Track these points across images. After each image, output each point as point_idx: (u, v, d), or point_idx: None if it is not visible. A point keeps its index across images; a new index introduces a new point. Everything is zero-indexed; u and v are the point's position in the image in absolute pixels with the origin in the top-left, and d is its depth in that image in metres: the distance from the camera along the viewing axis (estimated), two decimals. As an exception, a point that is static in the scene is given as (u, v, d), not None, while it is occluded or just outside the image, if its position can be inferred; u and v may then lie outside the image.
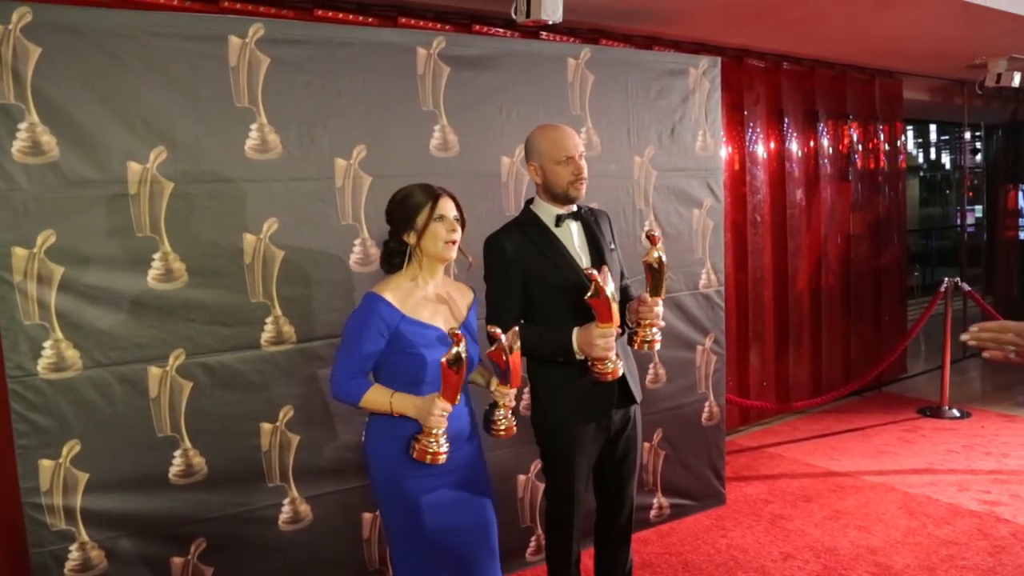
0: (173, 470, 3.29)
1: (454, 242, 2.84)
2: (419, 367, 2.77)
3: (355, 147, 3.64)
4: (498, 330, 2.75)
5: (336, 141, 3.59)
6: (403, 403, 2.75)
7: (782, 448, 6.15)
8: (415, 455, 2.74)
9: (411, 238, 2.83)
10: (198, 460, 3.33)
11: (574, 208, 3.22)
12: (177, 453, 3.30)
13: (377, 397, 2.76)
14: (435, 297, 2.89)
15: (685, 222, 4.81)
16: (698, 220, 4.86)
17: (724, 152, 5.96)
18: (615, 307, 2.95)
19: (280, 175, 3.46)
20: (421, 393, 2.77)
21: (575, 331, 3.06)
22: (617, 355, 3.08)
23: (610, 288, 2.93)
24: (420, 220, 2.81)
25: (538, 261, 3.16)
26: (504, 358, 2.77)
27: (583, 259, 3.20)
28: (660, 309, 3.13)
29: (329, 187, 3.59)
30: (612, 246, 3.30)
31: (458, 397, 2.73)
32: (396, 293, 2.78)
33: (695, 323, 4.89)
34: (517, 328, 2.81)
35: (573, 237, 3.21)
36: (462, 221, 2.88)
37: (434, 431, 2.73)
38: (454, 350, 2.65)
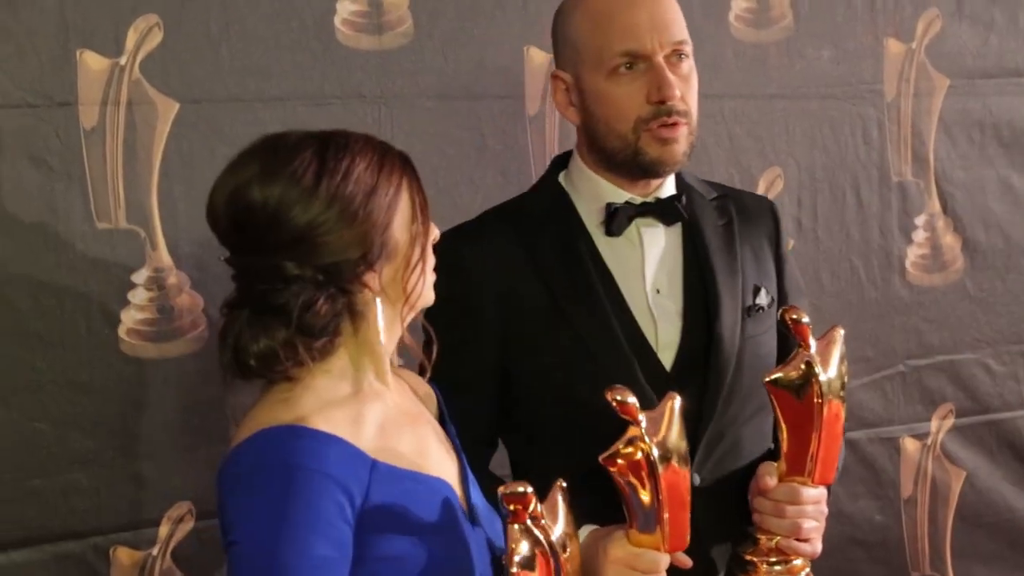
0: None
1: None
2: None
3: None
4: (529, 490, 1.18)
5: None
6: None
7: None
8: None
9: (377, 276, 1.34)
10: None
11: (664, 190, 1.62)
12: None
13: None
14: (407, 407, 1.46)
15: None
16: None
17: None
18: (685, 501, 1.36)
19: None
20: None
21: (584, 537, 1.41)
22: None
23: (674, 439, 1.34)
24: (402, 228, 1.35)
25: (542, 322, 1.58)
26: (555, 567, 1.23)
27: (660, 338, 1.59)
28: (810, 506, 1.48)
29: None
30: (765, 298, 1.64)
31: None
32: (339, 414, 1.31)
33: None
34: (562, 486, 1.29)
35: (650, 268, 1.61)
36: None
37: None
38: (524, 540, 1.20)
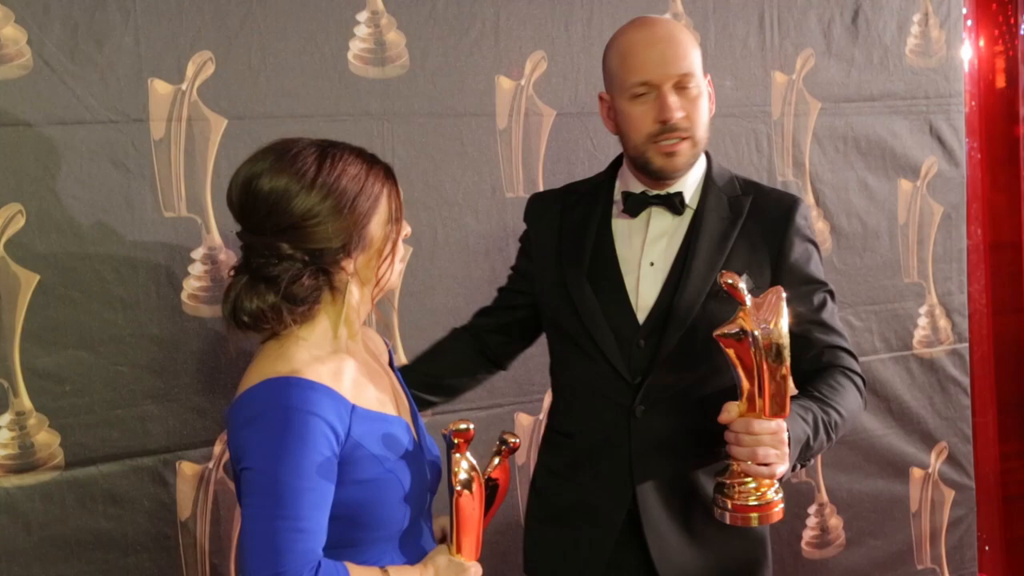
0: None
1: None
2: (377, 502, 1.50)
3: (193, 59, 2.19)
4: (471, 427, 1.47)
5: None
6: None
7: None
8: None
9: (353, 262, 1.52)
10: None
11: (678, 186, 1.84)
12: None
13: None
14: (369, 361, 1.63)
15: (880, 208, 2.97)
16: (910, 204, 3.00)
17: (968, 59, 3.18)
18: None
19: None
20: (364, 555, 1.50)
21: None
22: None
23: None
24: (379, 226, 1.52)
25: (558, 268, 1.90)
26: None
27: (640, 299, 1.84)
28: (766, 436, 1.58)
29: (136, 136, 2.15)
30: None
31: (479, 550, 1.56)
32: (324, 368, 1.47)
33: (907, 422, 2.96)
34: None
35: (648, 245, 1.85)
36: None
37: None
38: (465, 465, 1.47)
